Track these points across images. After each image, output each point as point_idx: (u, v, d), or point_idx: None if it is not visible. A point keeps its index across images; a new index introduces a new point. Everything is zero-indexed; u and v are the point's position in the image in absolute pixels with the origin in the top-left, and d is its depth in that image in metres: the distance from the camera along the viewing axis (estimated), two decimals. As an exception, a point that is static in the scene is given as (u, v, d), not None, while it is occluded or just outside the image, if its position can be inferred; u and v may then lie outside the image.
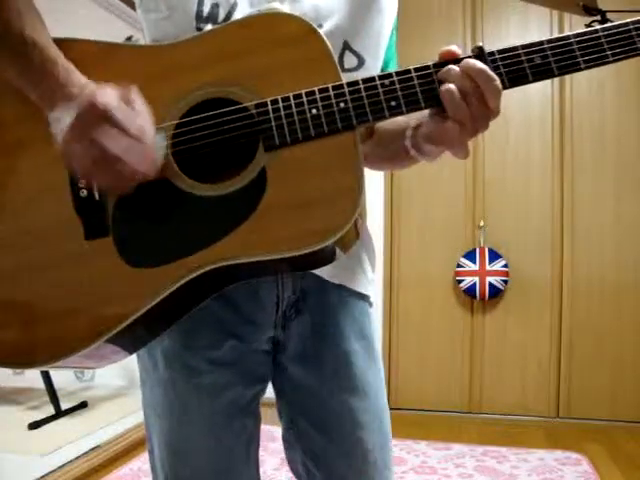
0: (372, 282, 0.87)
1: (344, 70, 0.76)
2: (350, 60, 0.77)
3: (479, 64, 0.64)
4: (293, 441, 0.86)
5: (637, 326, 2.91)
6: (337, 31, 0.76)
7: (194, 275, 0.64)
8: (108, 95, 0.61)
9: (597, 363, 2.96)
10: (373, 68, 0.80)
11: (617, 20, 0.67)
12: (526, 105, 3.01)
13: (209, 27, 0.72)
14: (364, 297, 0.85)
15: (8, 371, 3.46)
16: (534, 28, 3.05)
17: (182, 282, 0.64)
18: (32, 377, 3.19)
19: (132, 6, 3.28)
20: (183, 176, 0.66)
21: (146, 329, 0.71)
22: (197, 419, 0.78)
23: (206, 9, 0.73)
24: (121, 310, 0.65)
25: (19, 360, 0.68)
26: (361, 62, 0.78)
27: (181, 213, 0.66)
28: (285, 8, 0.74)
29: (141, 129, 0.61)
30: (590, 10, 0.84)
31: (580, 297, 2.99)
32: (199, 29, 0.73)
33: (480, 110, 0.64)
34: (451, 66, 0.65)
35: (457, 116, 0.64)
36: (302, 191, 0.64)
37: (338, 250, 0.68)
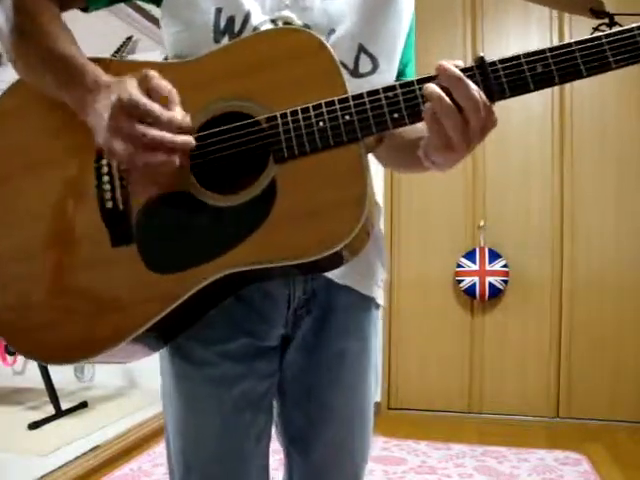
0: (382, 283, 0.89)
1: (359, 75, 0.78)
2: (365, 64, 0.79)
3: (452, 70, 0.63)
4: (280, 426, 0.91)
5: (637, 326, 2.91)
6: (350, 35, 0.78)
7: (210, 281, 0.68)
8: (131, 87, 0.63)
9: (597, 363, 2.96)
10: (387, 72, 0.81)
11: (621, 24, 0.66)
12: (526, 104, 3.00)
13: (226, 39, 0.75)
14: (369, 299, 0.88)
15: (8, 371, 3.47)
16: (534, 30, 3.03)
17: (199, 287, 0.68)
18: (32, 377, 3.19)
19: (132, 6, 3.28)
20: (200, 187, 0.70)
21: (167, 330, 0.76)
22: (207, 409, 0.81)
23: (222, 22, 0.76)
24: (143, 313, 0.70)
25: (53, 357, 0.75)
26: (375, 66, 0.79)
27: (198, 222, 0.70)
28: (295, 15, 0.77)
29: (169, 115, 0.63)
30: (598, 13, 0.83)
31: (580, 297, 2.99)
32: (217, 41, 0.75)
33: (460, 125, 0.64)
34: (427, 84, 0.64)
35: (434, 131, 0.65)
36: (309, 201, 0.67)
37: (346, 254, 0.69)
